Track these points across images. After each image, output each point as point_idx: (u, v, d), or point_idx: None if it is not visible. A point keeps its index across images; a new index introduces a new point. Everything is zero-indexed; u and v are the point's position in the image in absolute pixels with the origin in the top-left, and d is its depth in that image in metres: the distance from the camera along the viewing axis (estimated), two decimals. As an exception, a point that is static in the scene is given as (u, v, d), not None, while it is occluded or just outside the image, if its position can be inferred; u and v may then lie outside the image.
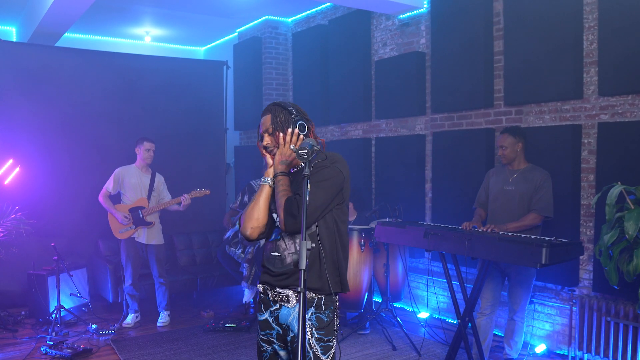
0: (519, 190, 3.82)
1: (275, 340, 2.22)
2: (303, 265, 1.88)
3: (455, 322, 4.71)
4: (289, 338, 2.18)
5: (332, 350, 2.15)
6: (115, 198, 5.14)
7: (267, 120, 2.22)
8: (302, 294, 1.87)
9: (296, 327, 2.12)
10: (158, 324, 5.13)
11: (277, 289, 2.17)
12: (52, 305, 5.02)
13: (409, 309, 5.51)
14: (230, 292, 6.42)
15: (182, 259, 6.34)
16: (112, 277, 5.44)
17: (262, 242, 5.08)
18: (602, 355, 3.88)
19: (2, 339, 4.70)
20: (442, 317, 5.21)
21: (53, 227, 5.63)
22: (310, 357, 2.12)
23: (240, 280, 5.39)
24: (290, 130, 2.17)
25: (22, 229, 4.91)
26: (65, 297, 5.06)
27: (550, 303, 4.37)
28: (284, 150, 2.17)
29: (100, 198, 5.06)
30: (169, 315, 5.22)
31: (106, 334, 4.79)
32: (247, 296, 5.39)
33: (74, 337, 4.74)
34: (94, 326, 4.83)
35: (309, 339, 2.12)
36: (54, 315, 4.87)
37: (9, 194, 5.23)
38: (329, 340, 2.14)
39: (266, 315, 2.23)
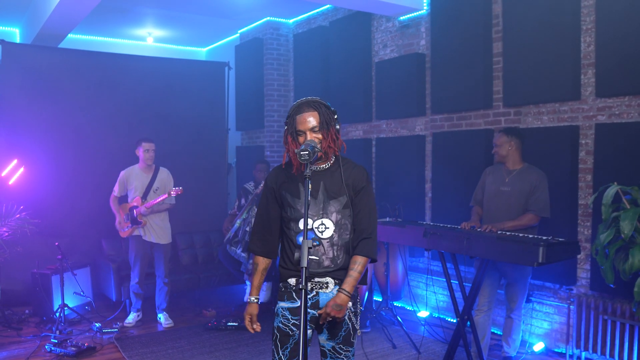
0: (515, 191, 3.86)
1: (308, 324, 2.35)
2: (304, 263, 1.90)
3: (454, 320, 4.75)
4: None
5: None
6: (124, 199, 5.25)
7: (314, 117, 2.19)
8: (303, 290, 1.90)
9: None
10: (162, 325, 5.16)
11: (316, 278, 2.32)
12: (56, 303, 5.06)
13: (409, 307, 5.56)
14: (232, 291, 6.46)
15: (184, 258, 6.39)
16: (115, 276, 5.48)
17: None
18: (599, 353, 3.93)
19: (6, 337, 4.75)
20: (441, 316, 5.26)
21: (57, 227, 5.68)
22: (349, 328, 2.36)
23: (244, 279, 5.44)
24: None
25: (26, 229, 4.94)
26: (69, 296, 5.10)
27: (548, 302, 4.42)
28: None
29: (110, 202, 5.20)
30: (169, 317, 5.22)
31: (110, 332, 4.84)
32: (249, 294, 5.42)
33: (78, 335, 4.79)
34: (97, 324, 4.88)
35: (349, 315, 2.35)
36: (58, 314, 4.91)
37: (14, 194, 5.28)
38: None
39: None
